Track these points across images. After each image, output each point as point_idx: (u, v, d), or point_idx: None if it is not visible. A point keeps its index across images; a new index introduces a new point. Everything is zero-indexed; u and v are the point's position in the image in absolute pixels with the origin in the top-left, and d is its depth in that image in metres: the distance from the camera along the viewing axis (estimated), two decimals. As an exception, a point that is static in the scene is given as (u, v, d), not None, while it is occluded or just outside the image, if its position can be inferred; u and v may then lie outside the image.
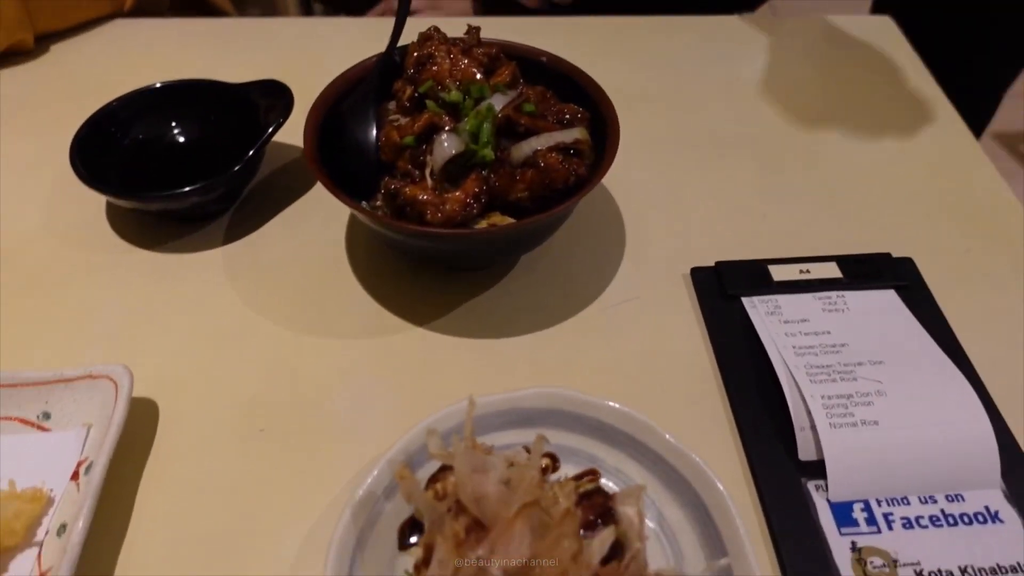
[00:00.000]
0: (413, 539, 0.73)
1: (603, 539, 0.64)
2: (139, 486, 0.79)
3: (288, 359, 0.90)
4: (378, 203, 0.90)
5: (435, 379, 0.89)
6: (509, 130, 0.89)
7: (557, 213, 0.82)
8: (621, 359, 0.91)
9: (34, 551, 0.71)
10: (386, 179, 0.89)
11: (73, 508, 0.71)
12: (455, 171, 0.86)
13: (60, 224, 1.07)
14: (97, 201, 1.09)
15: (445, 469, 0.72)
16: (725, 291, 0.97)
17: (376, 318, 0.95)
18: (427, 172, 0.86)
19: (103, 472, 0.72)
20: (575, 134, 0.89)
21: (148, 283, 0.99)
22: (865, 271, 1.00)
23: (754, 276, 0.99)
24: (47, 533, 0.72)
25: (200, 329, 0.94)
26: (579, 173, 0.86)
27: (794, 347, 0.89)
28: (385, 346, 0.92)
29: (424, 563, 0.66)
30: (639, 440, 0.76)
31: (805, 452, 0.82)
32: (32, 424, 0.80)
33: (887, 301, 0.96)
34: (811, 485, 0.80)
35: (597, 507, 0.68)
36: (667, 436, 0.76)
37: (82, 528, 0.68)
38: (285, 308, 0.96)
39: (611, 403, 0.77)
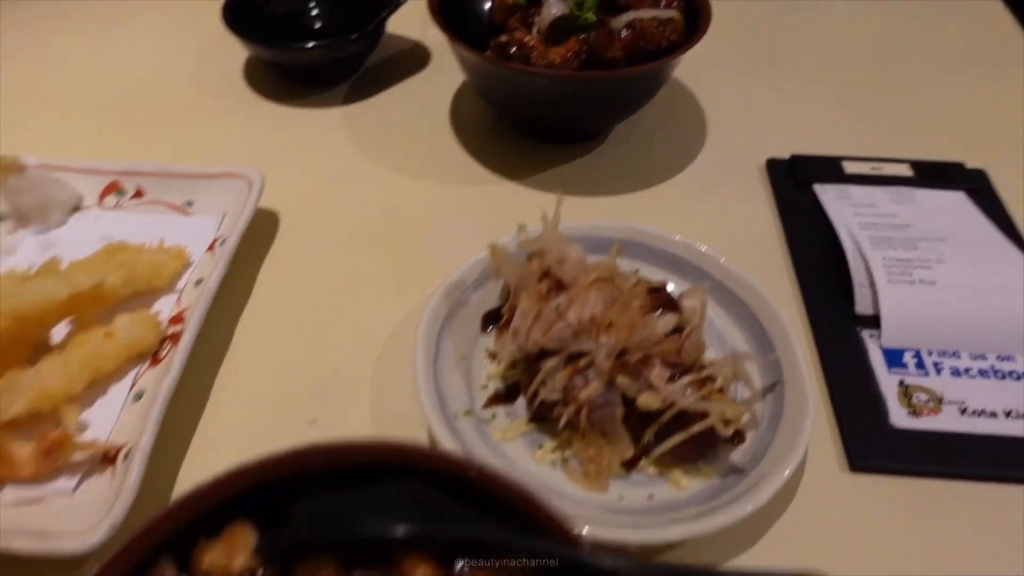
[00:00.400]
0: (491, 329, 0.83)
1: (667, 320, 0.73)
2: (258, 273, 0.92)
3: (393, 197, 1.03)
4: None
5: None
6: (611, 5, 0.99)
7: (652, 70, 0.91)
8: (695, 230, 0.96)
9: (175, 296, 0.85)
10: (496, 37, 0.99)
11: (208, 268, 0.85)
12: (559, 35, 0.96)
13: (205, 78, 1.23)
14: (236, 60, 1.25)
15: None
16: (798, 179, 1.04)
17: (474, 173, 1.06)
18: (534, 30, 0.96)
19: (234, 246, 0.86)
20: (670, 14, 0.98)
21: (277, 129, 1.13)
22: (937, 174, 1.05)
23: (827, 168, 1.05)
24: (186, 284, 0.86)
25: (318, 167, 1.07)
26: (671, 39, 0.95)
27: (860, 223, 0.95)
28: (479, 194, 1.03)
29: (506, 324, 0.76)
30: (704, 269, 0.85)
31: (862, 306, 0.88)
32: (177, 209, 0.95)
33: (956, 200, 1.00)
34: (865, 333, 0.86)
35: (663, 300, 0.76)
36: (729, 266, 0.84)
37: (216, 279, 0.82)
38: (393, 158, 1.08)
39: (678, 236, 0.87)
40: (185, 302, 0.83)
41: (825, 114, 1.19)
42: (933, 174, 1.04)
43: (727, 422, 0.68)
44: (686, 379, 0.70)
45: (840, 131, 1.15)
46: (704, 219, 1.00)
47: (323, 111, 1.16)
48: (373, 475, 0.48)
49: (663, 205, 1.02)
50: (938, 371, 0.82)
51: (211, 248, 0.88)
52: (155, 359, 0.77)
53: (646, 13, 0.97)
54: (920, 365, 0.83)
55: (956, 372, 0.82)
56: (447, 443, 0.67)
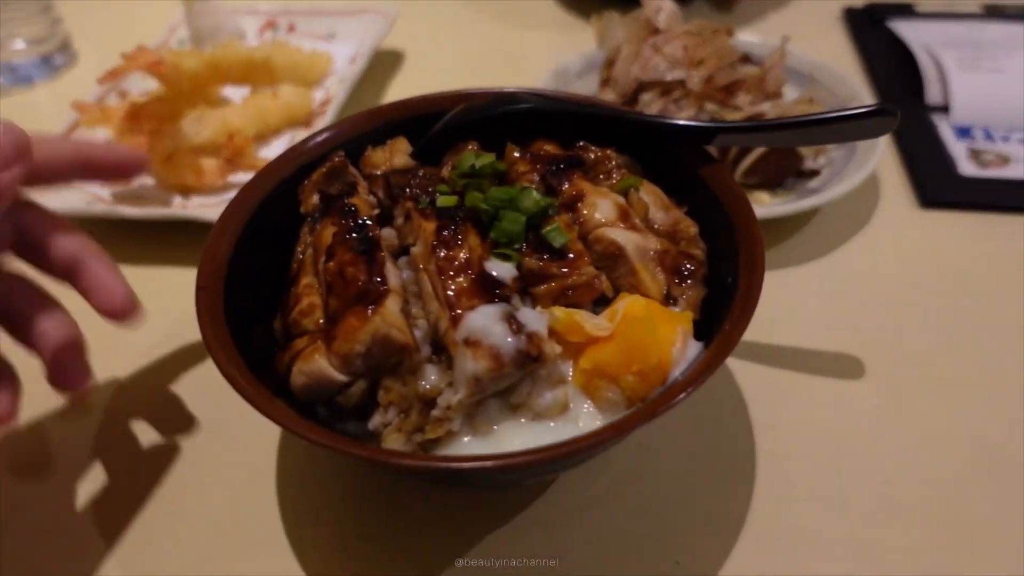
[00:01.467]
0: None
1: (751, 69, 0.82)
2: (387, 91, 1.05)
3: (496, 42, 1.15)
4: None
5: None
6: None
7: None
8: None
9: (323, 91, 0.98)
10: None
11: (348, 73, 0.96)
12: None
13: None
14: None
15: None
16: (873, 19, 1.14)
17: (570, 25, 1.17)
18: None
19: (370, 51, 1.00)
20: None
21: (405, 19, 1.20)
22: (1005, 12, 1.13)
23: (900, 9, 1.16)
24: (331, 83, 0.99)
25: (434, 42, 1.18)
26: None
27: (931, 37, 1.05)
28: (573, 40, 1.13)
29: (606, 81, 0.85)
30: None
31: (932, 96, 0.96)
32: (323, 38, 1.08)
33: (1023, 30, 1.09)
34: (934, 116, 0.95)
35: (743, 58, 0.85)
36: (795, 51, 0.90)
37: (352, 76, 0.95)
38: (507, 31, 1.19)
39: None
40: (331, 93, 0.96)
41: None
42: (1001, 12, 1.14)
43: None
44: (768, 103, 0.80)
45: None
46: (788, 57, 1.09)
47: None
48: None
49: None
50: (1006, 140, 0.91)
51: (352, 61, 1.01)
52: (307, 125, 0.91)
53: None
54: (988, 137, 0.92)
55: (1024, 141, 0.91)
56: None
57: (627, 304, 0.47)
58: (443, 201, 0.51)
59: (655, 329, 0.45)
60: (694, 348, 0.47)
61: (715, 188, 0.54)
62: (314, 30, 1.09)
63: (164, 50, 0.86)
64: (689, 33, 0.83)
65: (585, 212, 0.51)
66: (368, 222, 0.50)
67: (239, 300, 0.51)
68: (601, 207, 0.51)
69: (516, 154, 0.57)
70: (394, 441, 0.46)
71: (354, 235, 0.49)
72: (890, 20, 1.13)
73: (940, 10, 1.14)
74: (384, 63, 1.10)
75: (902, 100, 0.98)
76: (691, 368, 0.46)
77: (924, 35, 1.06)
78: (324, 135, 0.60)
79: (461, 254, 0.47)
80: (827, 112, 0.52)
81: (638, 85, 0.81)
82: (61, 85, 1.08)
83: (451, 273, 0.47)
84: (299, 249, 0.55)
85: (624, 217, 0.51)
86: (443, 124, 0.61)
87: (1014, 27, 1.09)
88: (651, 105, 0.80)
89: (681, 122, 0.58)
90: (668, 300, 0.50)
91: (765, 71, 0.82)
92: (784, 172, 0.79)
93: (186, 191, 0.82)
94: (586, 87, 0.92)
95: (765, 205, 0.77)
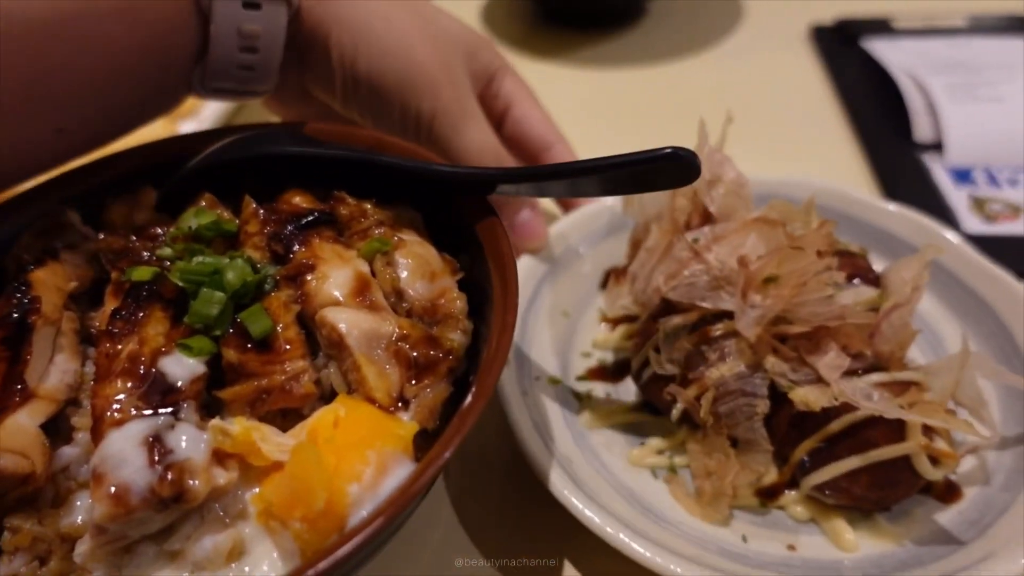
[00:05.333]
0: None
1: (859, 292, 0.50)
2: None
3: None
4: None
5: (549, 104, 0.99)
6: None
7: None
8: (742, 97, 0.96)
9: (193, 122, 0.87)
10: None
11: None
12: None
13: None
14: None
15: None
16: (845, 38, 1.01)
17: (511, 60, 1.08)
18: None
19: None
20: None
21: None
22: (992, 25, 1.00)
23: (874, 27, 1.02)
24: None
25: None
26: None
27: (914, 60, 0.91)
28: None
29: (624, 270, 0.57)
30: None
31: (922, 133, 0.83)
32: None
33: (1015, 45, 0.95)
34: (926, 156, 0.81)
35: (857, 269, 0.54)
36: (967, 248, 0.60)
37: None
38: None
39: (892, 206, 0.65)
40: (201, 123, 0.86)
41: None
42: (988, 25, 1.00)
43: (936, 456, 0.44)
44: (873, 377, 0.46)
45: None
46: (750, 85, 0.99)
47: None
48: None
49: (707, 76, 1.01)
50: (1013, 184, 0.77)
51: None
52: None
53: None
54: (992, 180, 0.78)
55: (1035, 186, 0.76)
56: (513, 408, 0.50)
57: (316, 419, 0.37)
58: (137, 274, 0.41)
59: (320, 461, 0.34)
60: (399, 475, 0.36)
61: (487, 251, 0.43)
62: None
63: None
64: (761, 224, 0.49)
65: (312, 286, 0.41)
66: (31, 302, 0.40)
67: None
68: (334, 279, 0.41)
69: (252, 209, 0.47)
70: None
71: (9, 318, 0.39)
72: (864, 39, 1.00)
73: (920, 26, 1.01)
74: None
75: (887, 138, 0.85)
76: (383, 504, 0.34)
77: (906, 56, 0.94)
78: (47, 186, 0.51)
79: (128, 347, 0.37)
80: (615, 157, 0.40)
81: (663, 301, 0.51)
82: None
83: (111, 372, 0.37)
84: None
85: (360, 291, 0.41)
86: (186, 170, 0.51)
87: (1007, 43, 0.96)
88: (677, 338, 0.49)
89: (451, 170, 0.47)
90: (399, 403, 0.39)
91: (882, 314, 0.48)
92: (890, 494, 0.46)
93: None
94: (602, 259, 0.65)
95: (848, 550, 0.45)
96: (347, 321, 0.39)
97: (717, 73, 1.01)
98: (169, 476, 0.33)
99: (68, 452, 0.38)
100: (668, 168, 0.39)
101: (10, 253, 0.47)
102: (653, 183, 0.43)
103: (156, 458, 0.34)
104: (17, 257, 0.46)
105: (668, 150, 0.39)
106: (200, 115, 0.89)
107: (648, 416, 0.53)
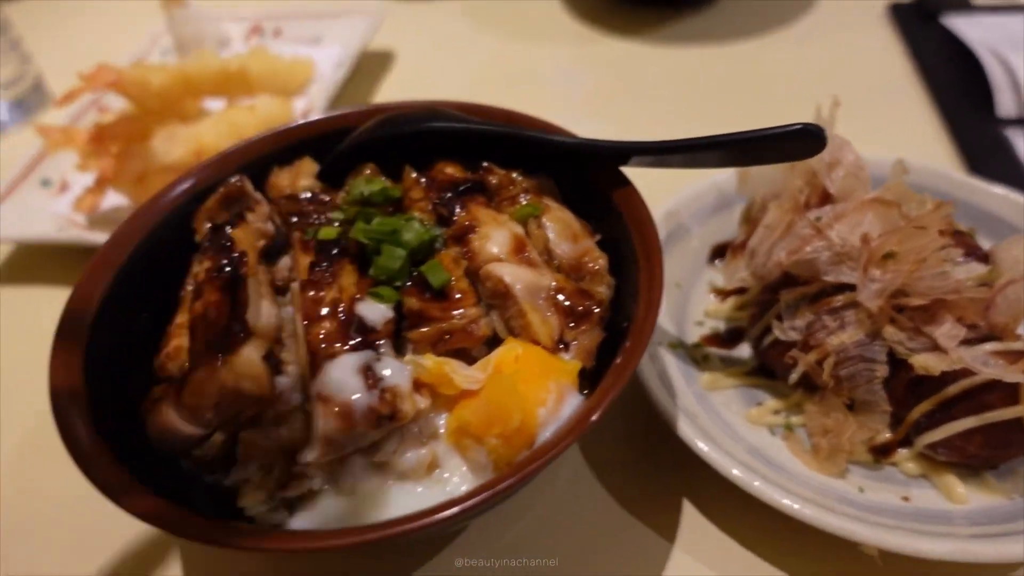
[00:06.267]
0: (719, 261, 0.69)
1: (971, 268, 0.53)
2: (374, 96, 1.04)
3: (500, 56, 1.11)
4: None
5: (627, 80, 1.03)
6: None
7: None
8: (818, 75, 1.00)
9: (305, 99, 0.97)
10: None
11: (334, 79, 0.95)
12: None
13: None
14: None
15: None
16: (923, 14, 1.04)
17: (582, 35, 1.13)
18: None
19: (352, 62, 0.98)
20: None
21: (406, 12, 1.23)
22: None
23: (953, 3, 1.05)
24: (314, 90, 0.98)
25: (433, 37, 1.17)
26: None
27: (996, 36, 0.94)
28: (588, 55, 1.09)
29: (741, 246, 0.61)
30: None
31: (1004, 108, 0.86)
32: (309, 42, 1.09)
33: None
34: (1009, 131, 0.84)
35: (968, 247, 0.55)
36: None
37: (337, 80, 0.94)
38: (504, 30, 1.17)
39: (999, 188, 0.67)
40: (313, 102, 0.95)
41: None
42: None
43: None
44: (988, 346, 0.49)
45: None
46: (829, 64, 1.02)
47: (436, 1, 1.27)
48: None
49: (784, 54, 1.04)
50: None
51: (338, 68, 0.99)
52: None
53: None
54: None
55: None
56: (643, 367, 0.55)
57: (500, 355, 0.43)
58: (324, 233, 0.49)
59: (516, 388, 0.40)
60: (572, 404, 0.42)
61: (626, 217, 0.49)
62: (300, 34, 1.10)
63: (129, 66, 0.86)
64: (879, 204, 0.53)
65: (476, 245, 0.48)
66: (240, 256, 0.47)
67: (117, 338, 0.49)
68: (495, 239, 0.47)
69: (412, 177, 0.54)
70: (252, 499, 0.44)
71: (223, 272, 0.46)
72: (944, 15, 1.03)
73: (1000, 2, 1.04)
74: (373, 66, 1.08)
75: (969, 113, 0.88)
76: (560, 429, 0.41)
77: (986, 32, 0.96)
78: (225, 156, 0.58)
79: (331, 295, 0.45)
80: (746, 132, 0.46)
81: (783, 274, 0.55)
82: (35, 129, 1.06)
83: (318, 316, 0.44)
84: (188, 282, 0.52)
85: (519, 250, 0.47)
86: (346, 144, 0.58)
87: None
88: (798, 307, 0.54)
89: (589, 142, 0.52)
90: (559, 345, 0.45)
91: (996, 289, 0.51)
92: (1001, 453, 0.50)
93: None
94: (710, 234, 0.69)
95: (958, 502, 0.50)
96: (511, 274, 0.45)
97: (795, 51, 1.05)
98: (386, 397, 0.40)
99: (282, 381, 0.44)
100: (795, 143, 0.44)
101: (197, 213, 0.54)
102: (776, 156, 0.49)
103: (371, 382, 0.41)
104: (207, 217, 0.54)
105: (799, 126, 0.44)
106: (309, 93, 0.98)
107: (763, 380, 0.59)
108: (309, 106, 0.94)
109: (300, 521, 0.43)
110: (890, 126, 0.90)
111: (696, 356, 0.61)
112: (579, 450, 0.59)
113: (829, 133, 0.55)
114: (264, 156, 0.59)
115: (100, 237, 0.77)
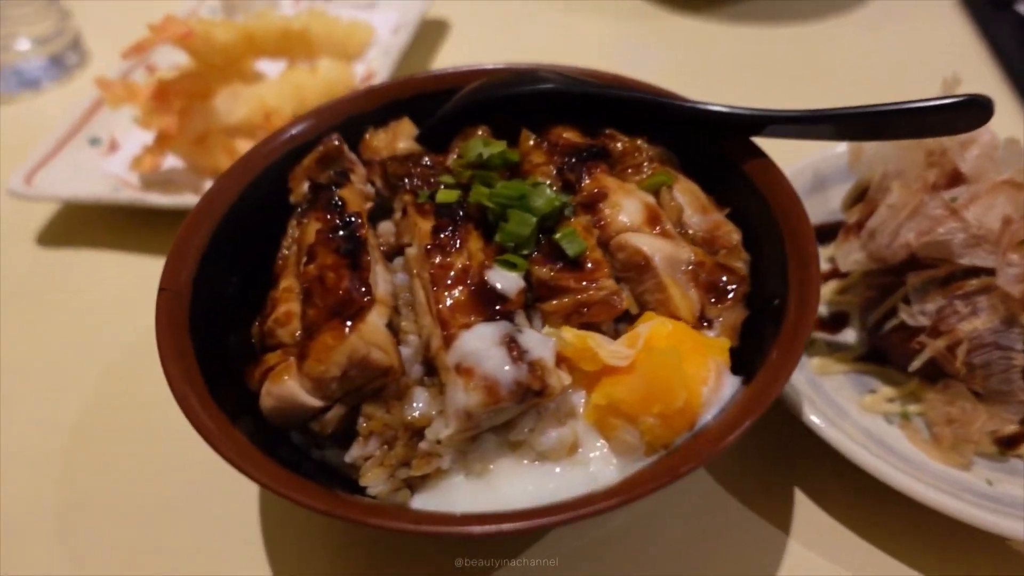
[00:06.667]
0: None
1: None
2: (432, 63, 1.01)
3: (562, 38, 1.07)
4: None
5: (694, 60, 1.00)
6: None
7: None
8: (889, 62, 0.96)
9: (364, 66, 0.93)
10: None
11: (392, 44, 0.91)
12: None
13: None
14: None
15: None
16: (997, 3, 1.01)
17: (645, 10, 1.10)
18: None
19: (413, 27, 0.94)
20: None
21: None
22: None
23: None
24: (373, 55, 0.94)
25: (491, 8, 1.12)
26: None
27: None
28: (650, 30, 1.06)
29: (855, 226, 0.58)
30: None
31: None
32: (361, 7, 1.04)
33: None
34: None
35: None
36: None
37: (398, 47, 0.90)
38: (565, 11, 1.11)
39: None
40: (373, 66, 0.92)
41: None
42: None
43: None
44: None
45: None
46: (900, 49, 0.99)
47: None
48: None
49: (853, 37, 1.01)
50: None
51: (396, 32, 0.96)
52: None
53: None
54: None
55: None
56: None
57: (651, 329, 0.40)
58: (443, 196, 0.46)
59: (681, 364, 0.38)
60: (730, 385, 0.40)
61: (763, 189, 0.46)
62: (353, -1, 1.08)
63: (194, 20, 0.82)
64: (1013, 185, 0.51)
65: (607, 213, 0.45)
66: (355, 220, 0.45)
67: (213, 301, 0.46)
68: (626, 208, 0.45)
69: (531, 142, 0.51)
70: (374, 477, 0.41)
71: (339, 234, 0.44)
72: (1018, 2, 1.00)
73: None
74: (429, 34, 1.05)
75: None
76: (726, 410, 0.39)
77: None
78: (319, 115, 0.55)
79: (459, 261, 0.42)
80: (904, 103, 0.43)
81: (909, 256, 0.53)
82: (72, 87, 1.03)
83: (447, 283, 0.41)
84: (285, 244, 0.50)
85: (653, 221, 0.44)
86: (452, 105, 0.55)
87: None
88: (926, 297, 0.52)
89: (723, 109, 0.49)
90: (702, 322, 0.43)
91: None
92: None
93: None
94: (813, 212, 0.60)
95: None
96: (650, 245, 0.43)
97: (864, 34, 1.02)
98: (536, 371, 0.38)
99: (404, 352, 0.42)
100: (961, 113, 0.42)
101: (293, 172, 0.52)
102: (939, 129, 0.46)
103: (515, 354, 0.38)
104: (305, 176, 0.51)
105: (967, 97, 0.42)
106: (367, 57, 0.94)
107: (873, 366, 0.56)
108: (369, 71, 0.91)
109: (423, 501, 0.40)
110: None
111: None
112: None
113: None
114: (357, 116, 0.56)
115: (158, 199, 0.73)
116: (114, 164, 0.81)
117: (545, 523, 0.34)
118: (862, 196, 0.59)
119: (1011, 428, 0.51)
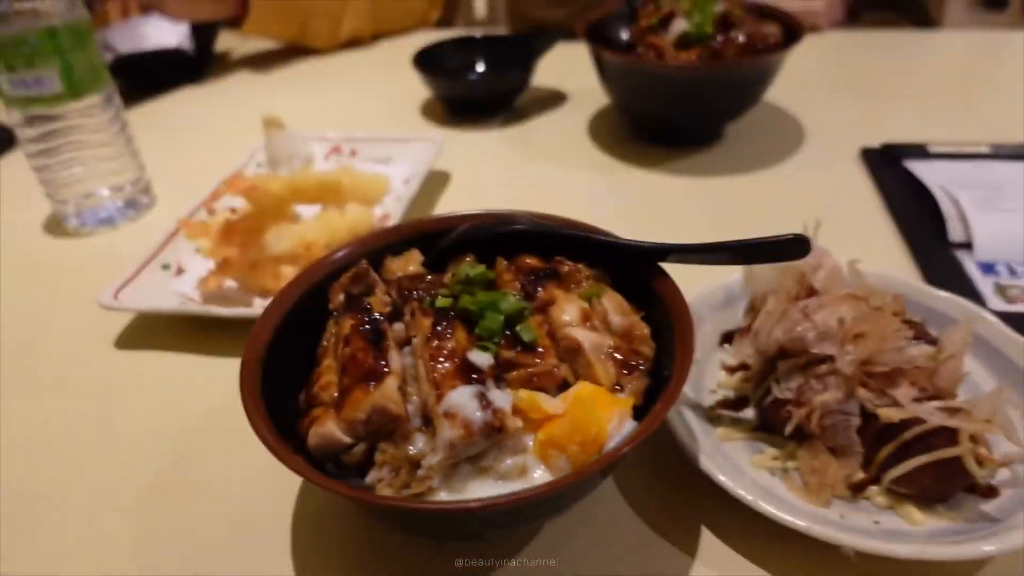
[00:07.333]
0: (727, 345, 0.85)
1: (922, 349, 0.69)
2: (435, 207, 1.23)
3: (538, 187, 1.31)
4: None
5: (646, 205, 1.24)
6: (724, 24, 1.29)
7: (765, 60, 1.21)
8: (802, 208, 1.18)
9: (382, 208, 1.16)
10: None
11: (404, 192, 1.13)
12: (685, 45, 1.27)
13: (395, 114, 1.63)
14: (415, 100, 1.65)
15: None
16: (890, 158, 1.26)
17: (608, 167, 1.35)
18: (666, 41, 1.27)
19: (420, 179, 1.19)
20: (774, 27, 1.28)
21: (450, 144, 1.41)
22: (1012, 152, 1.24)
23: (914, 150, 1.28)
24: (388, 200, 1.17)
25: (480, 163, 1.39)
26: (776, 44, 1.23)
27: (946, 178, 1.16)
28: (616, 181, 1.31)
29: (747, 328, 0.78)
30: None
31: (955, 234, 1.06)
32: (380, 161, 1.30)
33: None
34: (960, 252, 1.04)
35: (919, 332, 0.72)
36: (1001, 325, 0.79)
37: (407, 196, 1.13)
38: (541, 159, 1.40)
39: (944, 292, 0.84)
40: (389, 209, 1.14)
41: (910, 107, 1.47)
42: (1009, 152, 1.24)
43: (980, 460, 0.63)
44: (934, 403, 0.65)
45: (924, 121, 1.41)
46: (813, 195, 1.23)
47: (485, 133, 1.51)
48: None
49: (777, 186, 1.26)
50: None
51: (407, 183, 1.19)
52: None
53: (756, 27, 1.26)
54: (1012, 272, 1.00)
55: (1046, 279, 0.98)
56: (672, 415, 0.70)
57: (578, 389, 0.59)
58: (440, 302, 0.65)
59: (595, 409, 0.56)
60: (629, 426, 0.58)
61: (665, 300, 0.66)
62: (373, 155, 1.32)
63: (253, 176, 1.06)
64: (852, 298, 0.71)
65: (554, 314, 0.64)
66: (379, 317, 0.64)
67: (275, 376, 0.64)
68: (568, 311, 0.64)
69: (504, 265, 0.71)
70: (385, 493, 0.58)
71: (367, 327, 0.63)
72: (906, 160, 1.24)
73: (951, 151, 1.25)
74: (434, 183, 1.29)
75: (927, 239, 1.07)
76: (623, 440, 0.57)
77: (939, 175, 1.17)
78: (353, 247, 0.76)
79: (449, 344, 0.60)
80: (752, 239, 0.64)
81: (779, 349, 0.71)
82: (142, 224, 1.23)
83: (440, 359, 0.60)
84: (325, 338, 0.69)
85: (586, 319, 0.64)
86: (448, 241, 0.75)
87: (1020, 167, 1.19)
88: (790, 378, 0.70)
89: (639, 243, 0.70)
90: (616, 387, 0.61)
91: (940, 362, 0.68)
92: (947, 487, 0.65)
93: (266, 294, 0.99)
94: (721, 323, 0.86)
95: (916, 524, 0.65)
96: (581, 335, 0.62)
97: (786, 184, 1.26)
98: (497, 415, 0.55)
99: (409, 408, 0.60)
100: (787, 247, 0.63)
101: (333, 287, 0.72)
102: (773, 258, 0.66)
103: (484, 404, 0.56)
104: (341, 290, 0.70)
105: (791, 235, 0.62)
106: (384, 202, 1.15)
107: (764, 434, 0.74)
108: (386, 213, 1.13)
109: (419, 512, 0.58)
110: (863, 247, 1.03)
111: (711, 416, 0.76)
112: (612, 480, 0.73)
113: (813, 243, 0.73)
114: (378, 248, 0.77)
115: (216, 310, 0.93)
116: (181, 284, 1.02)
117: (501, 501, 0.52)
118: (755, 310, 0.79)
119: (859, 476, 0.68)
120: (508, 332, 0.63)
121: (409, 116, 1.59)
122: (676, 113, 1.34)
